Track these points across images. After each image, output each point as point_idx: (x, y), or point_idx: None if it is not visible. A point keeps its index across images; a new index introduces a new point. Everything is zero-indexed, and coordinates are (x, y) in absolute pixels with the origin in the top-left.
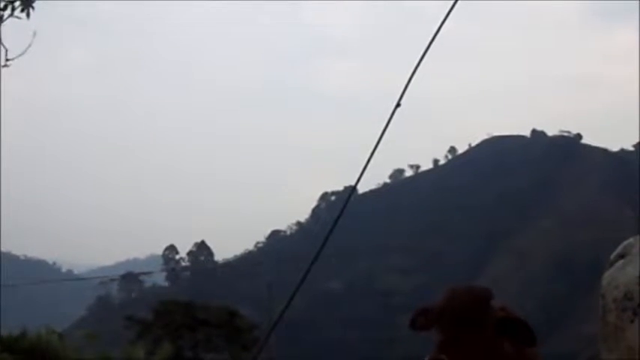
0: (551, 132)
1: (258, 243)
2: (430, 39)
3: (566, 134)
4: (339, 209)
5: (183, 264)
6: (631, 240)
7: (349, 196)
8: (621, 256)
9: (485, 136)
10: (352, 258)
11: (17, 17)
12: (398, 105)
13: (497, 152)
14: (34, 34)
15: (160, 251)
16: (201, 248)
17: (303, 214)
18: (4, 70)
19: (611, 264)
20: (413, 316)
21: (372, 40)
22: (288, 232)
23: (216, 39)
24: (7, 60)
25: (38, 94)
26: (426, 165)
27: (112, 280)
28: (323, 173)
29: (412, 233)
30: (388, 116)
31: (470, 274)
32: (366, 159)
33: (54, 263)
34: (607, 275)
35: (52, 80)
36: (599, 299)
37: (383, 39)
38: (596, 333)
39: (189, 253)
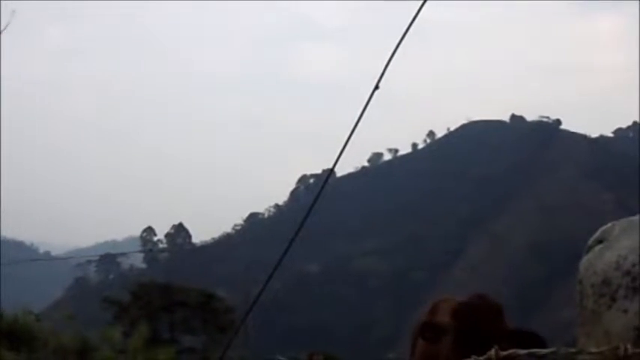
0: (530, 117)
1: (236, 225)
2: (409, 22)
3: (545, 120)
4: (318, 192)
5: (160, 246)
6: (610, 225)
7: (327, 178)
8: (599, 241)
9: (464, 121)
10: (330, 240)
11: None
12: (376, 87)
13: (476, 137)
14: (13, 12)
15: (137, 233)
16: (179, 230)
17: (282, 197)
18: None
19: (589, 249)
20: (422, 329)
21: (352, 26)
22: (266, 215)
23: (196, 21)
24: None
25: (15, 73)
26: (405, 149)
27: (90, 261)
28: (302, 156)
29: (390, 216)
30: (367, 99)
31: (447, 258)
32: (344, 141)
33: (32, 244)
34: (585, 260)
35: (29, 59)
36: (576, 284)
37: (364, 24)
38: (573, 318)
39: (167, 235)
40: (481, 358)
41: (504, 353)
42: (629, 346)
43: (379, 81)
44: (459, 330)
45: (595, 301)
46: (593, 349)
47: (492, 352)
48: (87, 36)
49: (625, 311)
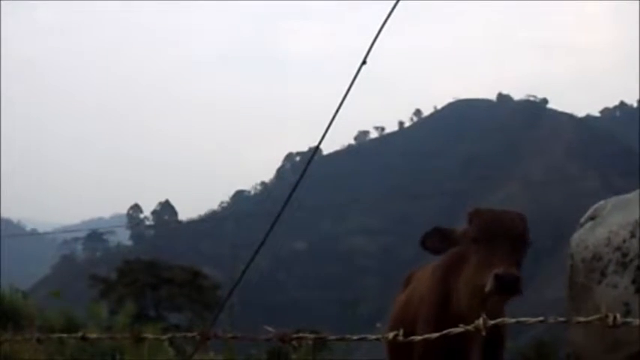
0: (517, 96)
1: (222, 203)
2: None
3: (532, 99)
4: (303, 169)
5: (147, 223)
6: (602, 202)
7: (312, 155)
8: (591, 218)
9: (451, 99)
10: (317, 219)
11: None
12: (364, 62)
13: (463, 115)
14: None
15: (124, 210)
16: (166, 207)
17: (268, 175)
18: None
19: (581, 226)
20: (425, 235)
21: (338, 1)
22: (253, 192)
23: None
24: None
25: (4, 52)
26: (392, 127)
27: (76, 238)
28: (289, 134)
29: (377, 195)
30: (353, 75)
31: None
32: (330, 118)
33: (18, 222)
34: (576, 236)
35: (17, 38)
36: (567, 259)
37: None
38: (558, 297)
39: (154, 213)
40: (469, 326)
41: (492, 322)
42: (617, 316)
43: (367, 56)
44: (475, 234)
45: (585, 275)
46: (582, 318)
47: (480, 321)
48: (73, 15)
49: (615, 286)
